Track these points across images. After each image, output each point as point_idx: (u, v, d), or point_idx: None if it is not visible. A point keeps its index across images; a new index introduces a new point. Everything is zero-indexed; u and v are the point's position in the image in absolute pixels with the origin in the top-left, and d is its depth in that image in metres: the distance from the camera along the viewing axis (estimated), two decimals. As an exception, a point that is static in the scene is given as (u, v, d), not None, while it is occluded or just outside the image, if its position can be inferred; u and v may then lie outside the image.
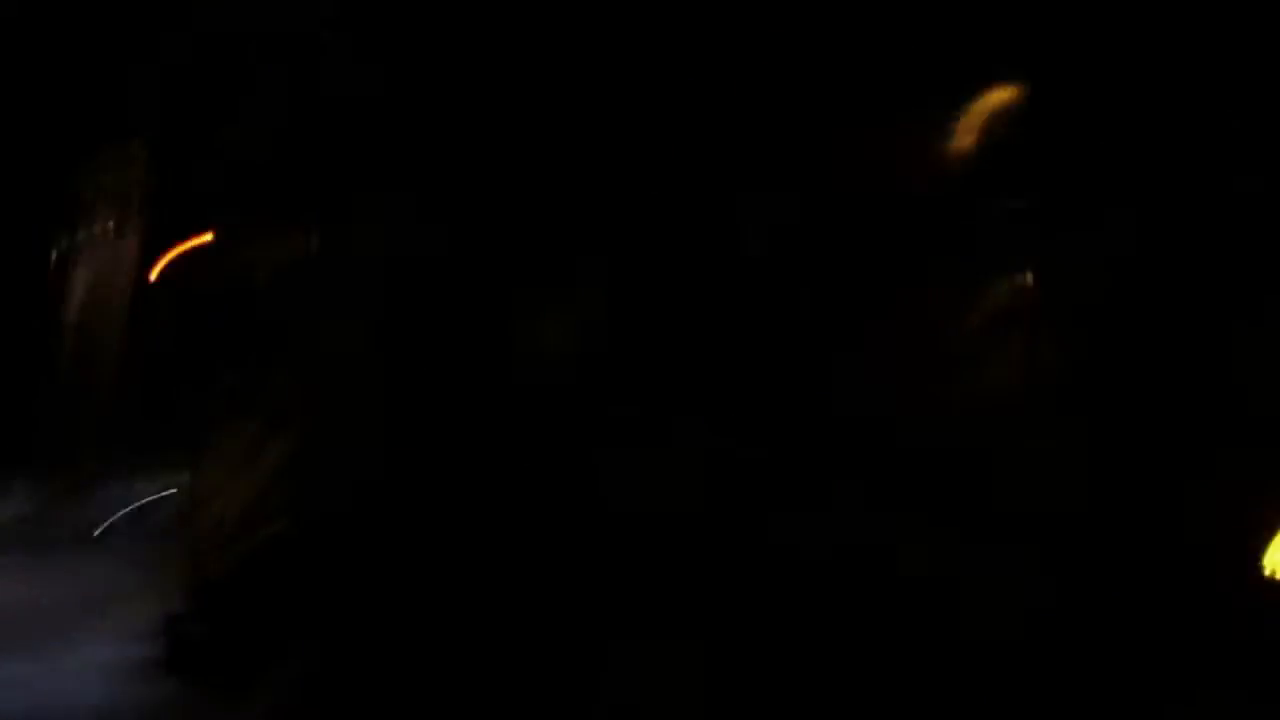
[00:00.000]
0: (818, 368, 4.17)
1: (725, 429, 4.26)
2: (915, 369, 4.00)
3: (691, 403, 4.34)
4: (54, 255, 8.36)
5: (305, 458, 6.15)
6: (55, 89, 8.23)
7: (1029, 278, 3.97)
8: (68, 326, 7.95)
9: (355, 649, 5.58)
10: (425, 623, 4.93)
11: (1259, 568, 3.60)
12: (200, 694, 7.44)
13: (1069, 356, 3.83)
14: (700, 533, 4.30)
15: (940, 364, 3.99)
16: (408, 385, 5.13)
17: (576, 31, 5.00)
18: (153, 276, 7.56)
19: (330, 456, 5.75)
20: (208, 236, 7.68)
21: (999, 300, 3.95)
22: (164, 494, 8.37)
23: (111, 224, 7.72)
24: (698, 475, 4.33)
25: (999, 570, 3.74)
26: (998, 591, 3.72)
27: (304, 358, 6.52)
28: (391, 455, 5.14)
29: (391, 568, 5.06)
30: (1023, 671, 3.72)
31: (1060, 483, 3.72)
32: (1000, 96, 4.12)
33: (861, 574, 3.97)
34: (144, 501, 8.52)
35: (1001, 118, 4.04)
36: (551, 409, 4.73)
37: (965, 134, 4.13)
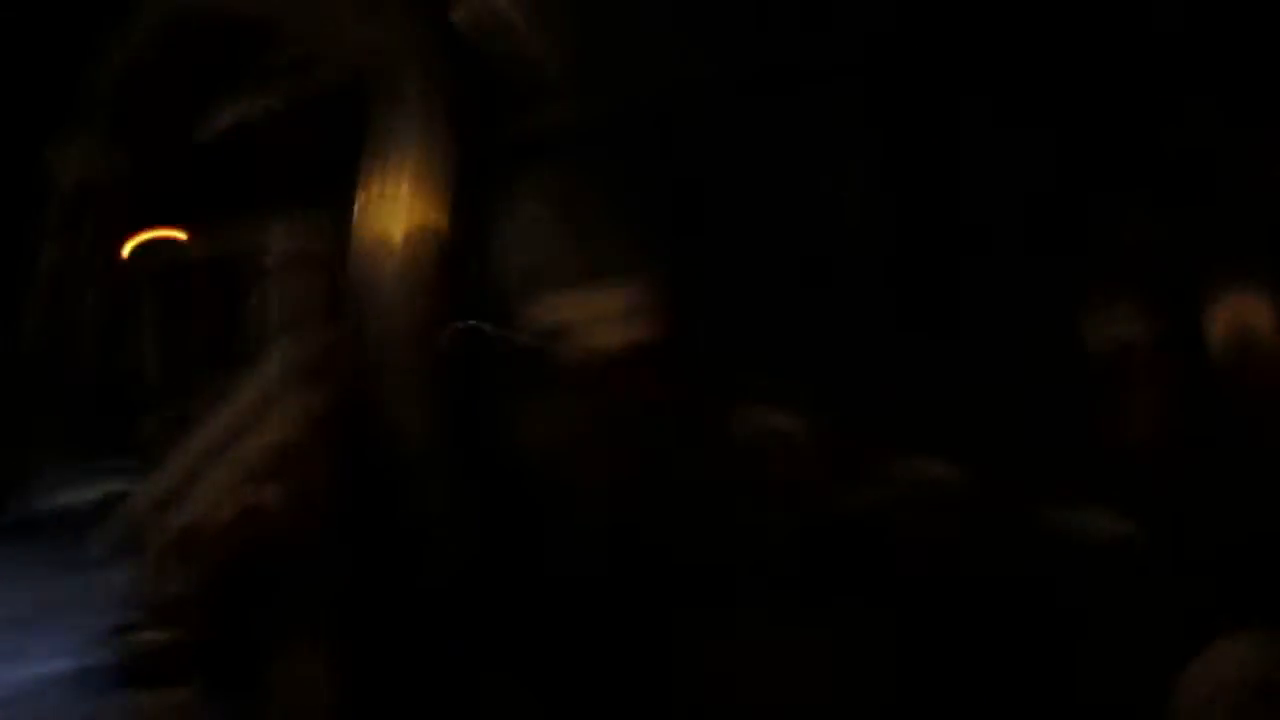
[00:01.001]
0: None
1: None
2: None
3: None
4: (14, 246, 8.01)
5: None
6: (22, 76, 7.93)
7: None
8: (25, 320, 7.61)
9: (363, 657, 5.37)
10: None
11: None
12: (162, 703, 7.14)
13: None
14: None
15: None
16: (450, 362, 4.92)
17: None
18: (119, 268, 7.28)
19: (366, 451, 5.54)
20: (177, 231, 7.42)
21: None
22: (112, 495, 8.06)
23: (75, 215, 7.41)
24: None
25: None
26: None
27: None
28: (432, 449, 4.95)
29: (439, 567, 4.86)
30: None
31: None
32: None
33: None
34: (91, 502, 8.19)
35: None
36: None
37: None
